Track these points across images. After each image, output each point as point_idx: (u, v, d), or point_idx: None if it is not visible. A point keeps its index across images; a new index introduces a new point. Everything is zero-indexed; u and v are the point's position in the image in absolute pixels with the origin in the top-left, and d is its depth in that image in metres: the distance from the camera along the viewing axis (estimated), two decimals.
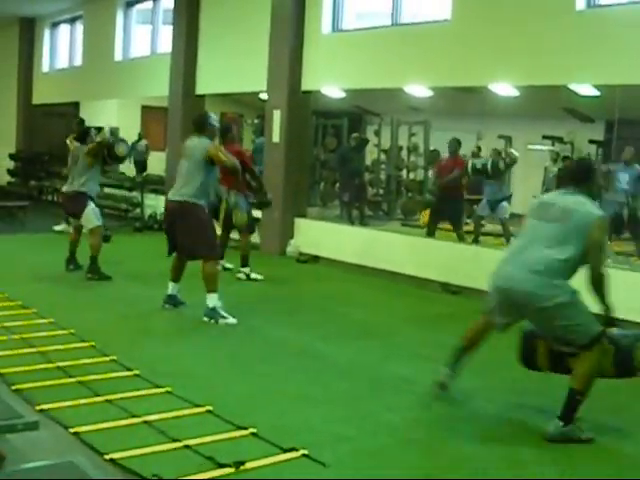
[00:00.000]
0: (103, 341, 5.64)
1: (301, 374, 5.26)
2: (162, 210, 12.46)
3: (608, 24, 7.55)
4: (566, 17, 7.80)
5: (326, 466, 3.69)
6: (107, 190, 13.78)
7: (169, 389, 4.67)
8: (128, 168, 15.12)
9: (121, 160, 9.03)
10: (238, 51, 11.89)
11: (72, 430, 3.91)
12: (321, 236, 10.60)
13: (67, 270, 8.55)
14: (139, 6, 15.49)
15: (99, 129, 9.96)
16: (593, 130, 13.49)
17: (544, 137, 14.23)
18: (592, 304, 4.32)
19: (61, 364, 5.03)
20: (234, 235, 8.96)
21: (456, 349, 4.79)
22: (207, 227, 6.76)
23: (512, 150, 11.69)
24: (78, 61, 17.24)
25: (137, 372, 4.98)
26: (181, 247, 6.77)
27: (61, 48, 18.41)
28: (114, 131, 8.98)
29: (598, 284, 4.28)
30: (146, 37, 14.93)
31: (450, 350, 4.81)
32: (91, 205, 8.35)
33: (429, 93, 10.84)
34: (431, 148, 14.61)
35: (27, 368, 4.91)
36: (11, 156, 18.58)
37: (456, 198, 10.58)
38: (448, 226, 10.60)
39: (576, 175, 4.53)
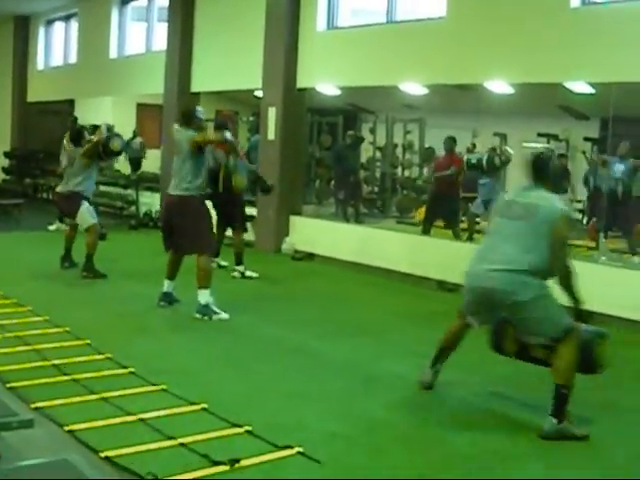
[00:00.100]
0: (98, 339, 5.63)
1: (296, 372, 5.27)
2: (157, 208, 12.56)
3: (603, 21, 7.58)
4: (561, 14, 7.82)
5: (321, 463, 3.70)
6: (102, 188, 13.76)
7: (164, 387, 4.67)
8: (123, 166, 15.11)
9: (117, 154, 9.01)
10: (233, 49, 11.87)
11: (67, 428, 3.91)
12: (316, 234, 10.60)
13: (62, 268, 8.56)
14: (134, 3, 15.46)
15: (96, 127, 9.94)
16: (588, 128, 13.45)
17: (539, 135, 14.19)
18: (562, 298, 4.38)
19: (56, 362, 5.03)
20: (228, 233, 8.96)
21: (436, 350, 4.87)
22: (206, 220, 6.80)
23: (507, 148, 11.68)
24: (73, 59, 17.21)
25: (132, 370, 4.98)
26: (178, 244, 6.76)
27: (56, 46, 18.36)
28: (110, 127, 8.91)
29: (565, 278, 4.32)
30: (141, 34, 14.91)
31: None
32: (85, 204, 8.35)
33: (424, 91, 10.82)
34: (426, 145, 14.61)
35: (22, 366, 4.91)
36: (6, 154, 18.54)
37: (452, 196, 10.59)
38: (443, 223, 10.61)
39: (534, 170, 4.50)
